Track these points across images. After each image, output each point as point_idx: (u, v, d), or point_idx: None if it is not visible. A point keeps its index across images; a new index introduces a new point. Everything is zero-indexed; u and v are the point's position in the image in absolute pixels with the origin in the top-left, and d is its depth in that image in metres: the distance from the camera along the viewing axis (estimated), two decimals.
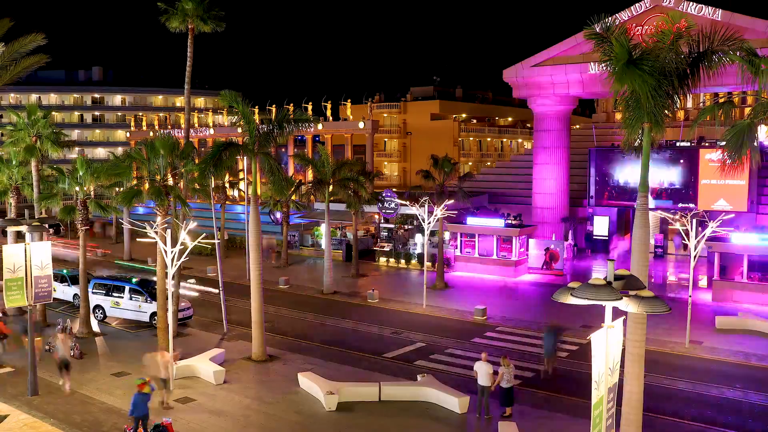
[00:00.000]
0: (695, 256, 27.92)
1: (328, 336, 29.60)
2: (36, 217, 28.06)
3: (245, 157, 32.72)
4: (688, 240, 28.06)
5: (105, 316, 31.83)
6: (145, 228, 23.59)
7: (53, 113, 51.64)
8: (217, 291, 32.85)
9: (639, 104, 16.33)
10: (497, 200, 54.82)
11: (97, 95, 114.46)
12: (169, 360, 21.85)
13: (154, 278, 30.40)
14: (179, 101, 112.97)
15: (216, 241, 31.16)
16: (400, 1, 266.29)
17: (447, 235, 44.15)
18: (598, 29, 17.18)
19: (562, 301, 11.54)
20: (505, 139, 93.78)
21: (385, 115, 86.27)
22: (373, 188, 48.13)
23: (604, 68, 17.09)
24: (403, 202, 44.85)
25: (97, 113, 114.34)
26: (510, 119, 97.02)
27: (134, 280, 32.36)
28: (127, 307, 31.18)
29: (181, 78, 31.29)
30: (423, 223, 34.83)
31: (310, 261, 49.30)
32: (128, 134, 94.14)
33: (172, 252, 22.61)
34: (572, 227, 48.48)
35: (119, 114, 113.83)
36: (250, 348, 26.38)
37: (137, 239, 30.48)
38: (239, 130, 52.34)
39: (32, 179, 31.13)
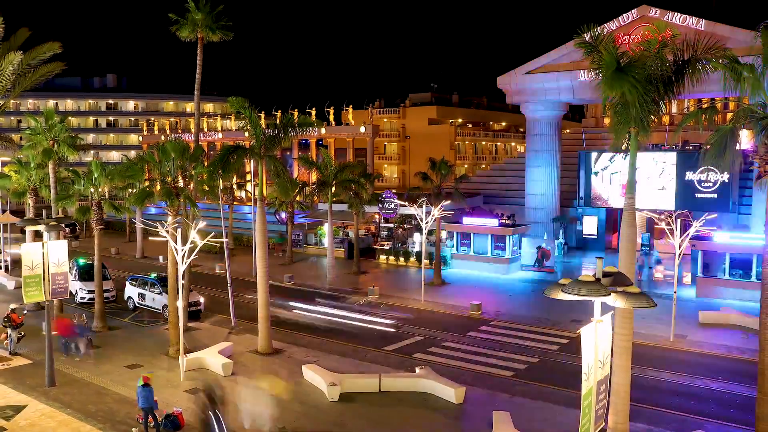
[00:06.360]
0: (680, 254, 27.91)
1: (331, 330, 29.59)
2: (53, 217, 28.04)
3: (252, 160, 32.67)
4: (673, 239, 28.05)
5: None
6: (156, 227, 23.59)
7: (69, 118, 51.53)
8: None
9: (626, 110, 16.32)
10: (492, 201, 54.79)
11: (111, 101, 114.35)
12: None
13: None
14: (189, 107, 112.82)
15: (224, 240, 31.14)
16: (400, 12, 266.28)
17: (444, 234, 44.15)
18: (587, 38, 17.15)
19: (553, 296, 11.55)
20: (499, 143, 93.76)
21: (385, 120, 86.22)
22: (374, 189, 48.15)
23: (594, 75, 17.08)
24: (402, 203, 44.85)
25: (111, 118, 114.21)
26: (504, 124, 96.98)
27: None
28: None
29: (191, 84, 31.28)
30: (421, 223, 34.83)
31: (314, 259, 49.27)
32: (141, 138, 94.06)
33: (182, 250, 22.63)
34: (563, 227, 48.48)
35: (132, 119, 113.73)
36: (256, 341, 26.38)
37: (149, 238, 30.41)
38: (246, 134, 52.26)
39: (49, 181, 31.11)
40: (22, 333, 26.16)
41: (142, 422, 18.24)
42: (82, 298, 33.86)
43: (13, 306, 26.50)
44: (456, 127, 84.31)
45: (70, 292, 32.26)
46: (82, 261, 35.34)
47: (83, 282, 34.22)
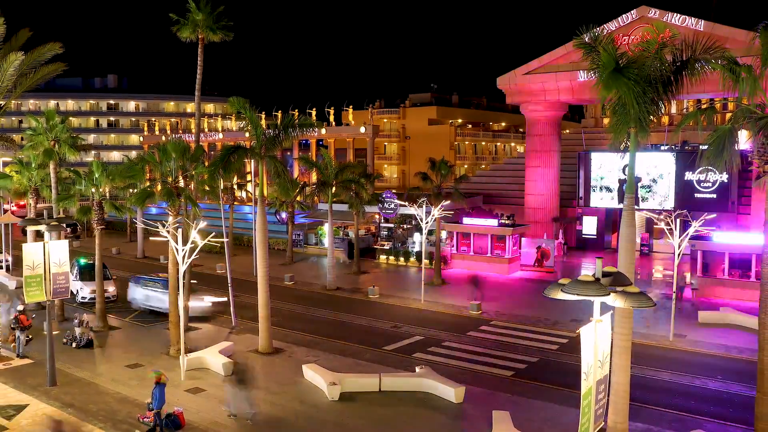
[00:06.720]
0: (679, 254, 27.90)
1: (331, 330, 29.58)
2: (54, 217, 28.04)
3: (252, 160, 32.69)
4: (673, 238, 28.03)
5: None
6: (157, 227, 23.59)
7: (70, 118, 51.55)
8: None
9: (625, 110, 16.31)
10: (491, 201, 54.80)
11: (112, 101, 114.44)
12: None
13: None
14: (190, 107, 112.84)
15: (225, 240, 31.14)
16: (400, 13, 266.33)
17: (444, 234, 44.13)
18: (587, 39, 17.17)
19: (552, 296, 11.54)
20: (498, 143, 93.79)
21: (385, 120, 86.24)
22: (374, 189, 48.16)
23: (593, 76, 17.08)
24: (402, 203, 44.84)
25: (112, 118, 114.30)
26: (503, 124, 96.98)
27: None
28: None
29: (191, 85, 31.29)
30: (421, 223, 34.82)
31: (314, 259, 49.28)
32: (141, 138, 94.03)
33: (183, 250, 22.63)
34: (563, 227, 48.47)
35: (133, 119, 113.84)
36: (257, 341, 26.38)
37: (150, 238, 30.42)
38: (247, 134, 52.20)
39: (50, 181, 31.11)
40: (30, 336, 25.99)
41: (152, 422, 18.02)
42: (83, 297, 33.89)
43: (20, 307, 26.41)
44: (456, 127, 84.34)
45: (71, 291, 32.25)
46: (83, 261, 35.36)
47: (84, 282, 34.26)
